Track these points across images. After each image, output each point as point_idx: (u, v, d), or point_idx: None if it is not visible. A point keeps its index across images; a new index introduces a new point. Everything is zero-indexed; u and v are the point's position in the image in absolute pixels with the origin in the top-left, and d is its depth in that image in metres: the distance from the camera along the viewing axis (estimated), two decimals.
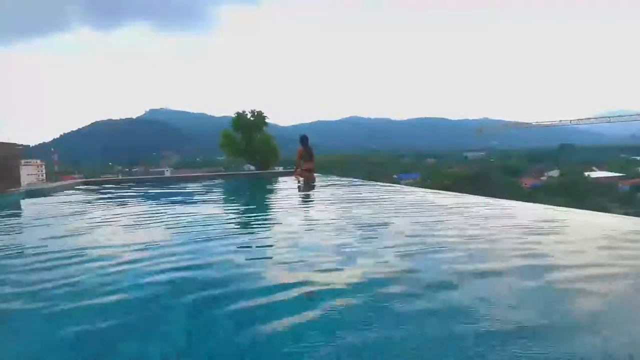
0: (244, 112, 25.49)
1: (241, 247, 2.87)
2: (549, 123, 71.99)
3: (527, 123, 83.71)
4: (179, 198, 6.94)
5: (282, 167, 22.08)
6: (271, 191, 8.00)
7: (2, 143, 8.23)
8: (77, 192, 8.36)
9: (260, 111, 25.67)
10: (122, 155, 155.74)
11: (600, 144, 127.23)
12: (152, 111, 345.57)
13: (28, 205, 6.41)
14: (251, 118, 25.30)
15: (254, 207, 5.80)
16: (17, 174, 8.65)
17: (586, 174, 45.78)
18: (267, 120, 25.96)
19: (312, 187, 7.57)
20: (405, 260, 2.29)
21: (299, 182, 8.94)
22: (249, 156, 25.17)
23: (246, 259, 2.49)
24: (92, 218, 4.40)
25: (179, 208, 5.26)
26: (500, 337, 1.34)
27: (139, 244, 2.92)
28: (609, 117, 61.46)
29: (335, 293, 1.77)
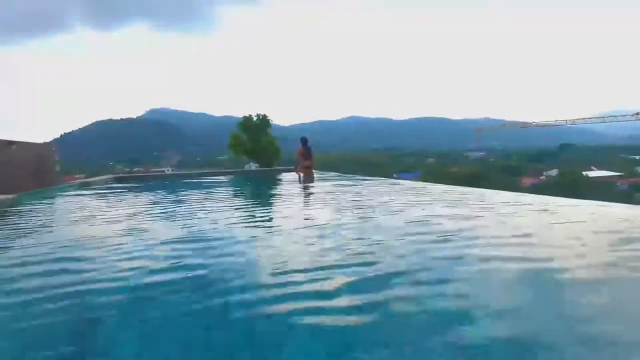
0: (250, 115, 28.63)
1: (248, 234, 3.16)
2: (547, 123, 72.09)
3: (527, 123, 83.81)
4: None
5: (282, 166, 22.71)
6: (277, 185, 8.85)
7: (38, 143, 8.74)
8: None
9: (265, 115, 28.91)
10: (122, 155, 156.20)
11: (601, 143, 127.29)
12: (152, 111, 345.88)
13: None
14: (256, 121, 28.51)
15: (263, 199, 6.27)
16: (53, 171, 9.15)
17: (584, 173, 45.96)
18: (270, 122, 29.25)
19: (312, 182, 8.50)
20: (399, 248, 2.56)
21: (299, 177, 10.05)
22: (254, 156, 28.09)
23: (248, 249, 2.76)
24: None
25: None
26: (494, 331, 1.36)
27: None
28: (603, 117, 61.46)
29: (334, 283, 1.79)
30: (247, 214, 4.32)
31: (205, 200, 5.53)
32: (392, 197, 5.15)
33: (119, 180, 11.16)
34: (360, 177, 9.42)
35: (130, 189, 8.08)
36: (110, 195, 7.05)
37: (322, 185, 7.53)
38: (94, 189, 8.09)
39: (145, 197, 6.52)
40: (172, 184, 9.22)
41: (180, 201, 5.54)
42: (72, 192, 7.51)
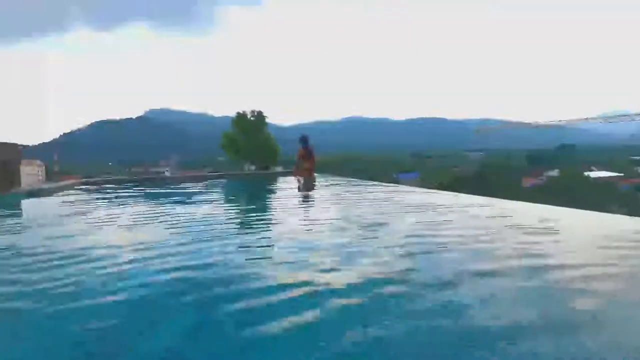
0: (244, 112, 26.20)
1: (242, 246, 2.95)
2: (547, 123, 71.96)
3: (527, 123, 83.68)
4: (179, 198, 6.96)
5: (281, 167, 22.10)
6: (272, 191, 8.04)
7: (3, 144, 8.24)
8: (78, 191, 8.39)
9: (260, 111, 26.47)
10: (122, 155, 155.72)
11: (601, 143, 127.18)
12: (152, 111, 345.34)
13: (30, 205, 6.45)
14: (251, 118, 26.11)
15: (256, 206, 5.89)
16: (17, 175, 8.68)
17: (585, 173, 45.77)
18: (267, 121, 26.83)
19: (312, 187, 7.69)
20: (404, 259, 2.36)
21: (299, 182, 9.10)
22: (250, 156, 25.64)
23: (247, 259, 2.53)
24: (92, 217, 4.47)
25: (181, 207, 5.31)
26: (496, 336, 1.37)
27: (142, 242, 3.00)
28: (602, 118, 61.25)
29: (335, 292, 1.79)
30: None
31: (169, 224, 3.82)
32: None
33: (87, 185, 9.74)
34: (373, 183, 8.66)
35: (86, 201, 6.60)
36: (47, 212, 5.52)
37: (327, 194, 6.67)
38: (41, 199, 6.83)
39: (96, 218, 4.50)
40: (147, 195, 7.71)
41: (138, 223, 3.98)
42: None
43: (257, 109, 26.69)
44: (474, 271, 2.05)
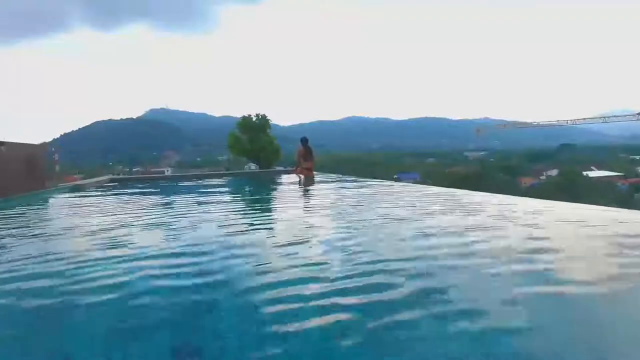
0: (249, 115, 28.21)
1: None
2: (547, 123, 72.03)
3: (527, 123, 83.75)
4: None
5: (282, 167, 22.37)
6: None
7: (33, 144, 8.66)
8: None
9: (264, 114, 28.57)
10: (122, 155, 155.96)
11: (601, 143, 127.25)
12: (152, 111, 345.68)
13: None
14: (256, 121, 28.11)
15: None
16: (45, 172, 9.04)
17: (585, 173, 45.84)
18: (269, 122, 28.78)
19: (312, 184, 8.14)
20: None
21: (299, 178, 9.72)
22: (253, 156, 27.64)
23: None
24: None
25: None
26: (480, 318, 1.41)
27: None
28: (604, 117, 61.29)
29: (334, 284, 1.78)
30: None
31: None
32: None
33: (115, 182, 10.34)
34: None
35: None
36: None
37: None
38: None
39: None
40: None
41: None
42: None
43: (261, 112, 28.58)
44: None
